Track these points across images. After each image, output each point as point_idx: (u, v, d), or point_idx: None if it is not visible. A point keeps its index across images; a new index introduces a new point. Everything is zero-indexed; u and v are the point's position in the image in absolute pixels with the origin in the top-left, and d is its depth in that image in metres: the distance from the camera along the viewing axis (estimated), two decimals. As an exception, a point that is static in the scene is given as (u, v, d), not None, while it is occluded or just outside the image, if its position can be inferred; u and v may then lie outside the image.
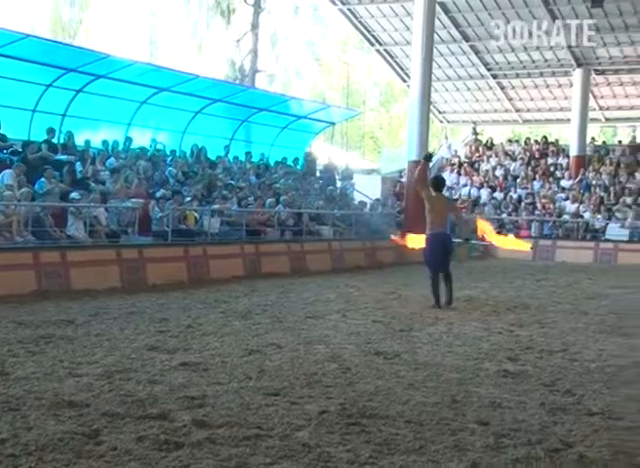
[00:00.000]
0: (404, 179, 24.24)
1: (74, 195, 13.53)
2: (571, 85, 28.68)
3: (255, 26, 41.30)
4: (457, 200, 24.61)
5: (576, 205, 24.92)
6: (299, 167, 23.23)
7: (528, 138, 32.02)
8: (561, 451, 4.48)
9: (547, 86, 30.32)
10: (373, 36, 29.58)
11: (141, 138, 18.59)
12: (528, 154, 29.39)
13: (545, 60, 28.60)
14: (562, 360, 7.27)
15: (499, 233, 12.70)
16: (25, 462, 4.02)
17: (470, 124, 33.44)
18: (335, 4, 27.98)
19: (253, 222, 16.99)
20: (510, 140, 32.62)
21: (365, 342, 7.92)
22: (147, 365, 6.50)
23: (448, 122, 34.31)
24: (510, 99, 31.73)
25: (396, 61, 30.57)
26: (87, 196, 13.70)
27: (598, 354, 7.61)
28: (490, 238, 12.27)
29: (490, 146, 31.05)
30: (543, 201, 25.42)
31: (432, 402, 5.49)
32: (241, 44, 42.79)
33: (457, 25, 27.47)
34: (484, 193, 26.90)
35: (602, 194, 25.26)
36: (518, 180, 27.52)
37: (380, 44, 29.91)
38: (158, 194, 15.46)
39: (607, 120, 31.90)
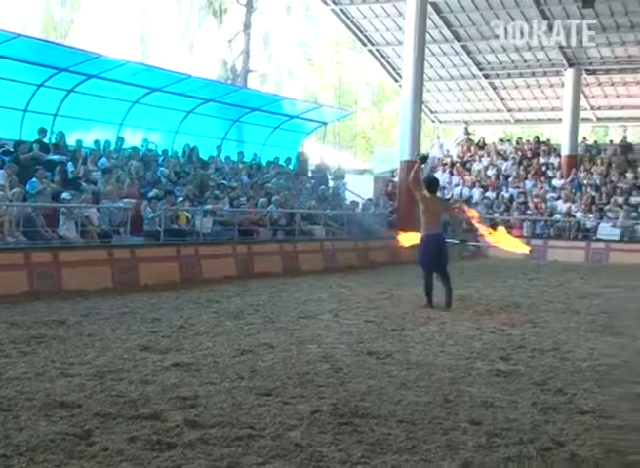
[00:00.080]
0: (396, 179, 24.27)
1: (66, 195, 13.47)
2: (562, 85, 28.79)
3: (247, 26, 41.26)
4: (449, 199, 24.64)
5: (567, 204, 25.03)
6: (291, 167, 23.21)
7: (520, 138, 32.15)
8: (552, 450, 4.50)
9: (539, 86, 30.43)
10: (365, 36, 29.63)
11: (133, 138, 18.56)
12: (520, 154, 29.49)
13: (537, 60, 28.70)
14: (554, 359, 7.29)
15: (494, 229, 12.62)
16: (17, 463, 4.00)
17: (462, 124, 33.55)
18: (327, 4, 27.98)
19: (245, 222, 16.96)
20: (502, 140, 32.69)
21: (357, 342, 7.91)
22: (139, 365, 6.48)
23: (440, 122, 34.40)
24: (502, 99, 31.83)
25: (388, 61, 30.63)
26: (78, 196, 13.64)
27: (589, 353, 7.63)
28: (482, 231, 12.20)
29: (482, 146, 31.15)
30: (535, 200, 25.51)
31: (424, 401, 5.50)
32: (233, 44, 42.77)
33: (448, 25, 27.54)
34: (476, 193, 26.99)
35: (593, 194, 25.35)
36: (510, 180, 27.64)
37: (373, 44, 29.95)
38: (150, 194, 15.41)
39: (598, 120, 32.04)
